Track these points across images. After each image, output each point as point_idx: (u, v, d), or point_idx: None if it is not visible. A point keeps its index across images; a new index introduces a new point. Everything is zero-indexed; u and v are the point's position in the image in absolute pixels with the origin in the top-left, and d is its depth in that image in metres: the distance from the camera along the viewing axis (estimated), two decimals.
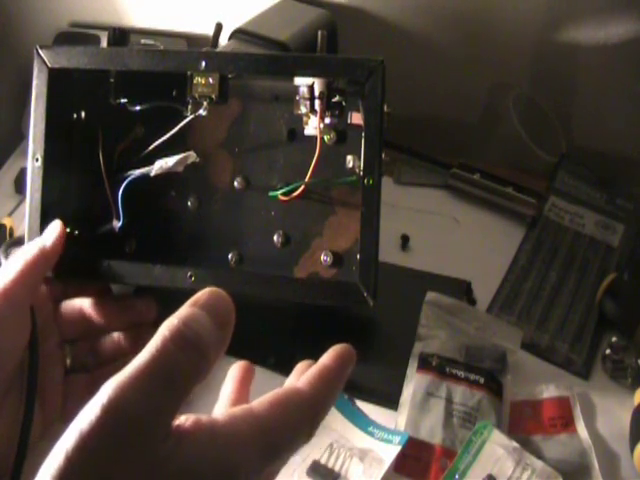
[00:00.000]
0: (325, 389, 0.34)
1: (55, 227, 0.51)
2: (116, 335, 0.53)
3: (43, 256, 0.48)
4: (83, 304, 0.52)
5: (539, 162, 0.86)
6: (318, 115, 0.51)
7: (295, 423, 0.32)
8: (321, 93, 0.51)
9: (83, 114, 0.55)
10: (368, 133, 0.49)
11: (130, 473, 0.27)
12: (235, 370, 0.40)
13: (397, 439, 0.54)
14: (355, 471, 0.53)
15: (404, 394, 0.58)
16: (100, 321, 0.52)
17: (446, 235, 0.77)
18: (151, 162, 0.53)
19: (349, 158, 0.53)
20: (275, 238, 0.55)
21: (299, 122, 0.54)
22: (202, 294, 0.32)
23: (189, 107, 0.52)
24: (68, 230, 0.52)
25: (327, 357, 0.36)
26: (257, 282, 0.50)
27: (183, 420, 0.29)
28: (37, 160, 0.51)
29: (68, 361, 0.51)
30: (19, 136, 0.86)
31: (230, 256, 0.55)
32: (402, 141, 0.84)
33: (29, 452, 0.41)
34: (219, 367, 0.58)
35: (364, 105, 0.50)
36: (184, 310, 0.31)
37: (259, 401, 0.31)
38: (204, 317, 0.30)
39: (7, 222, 0.74)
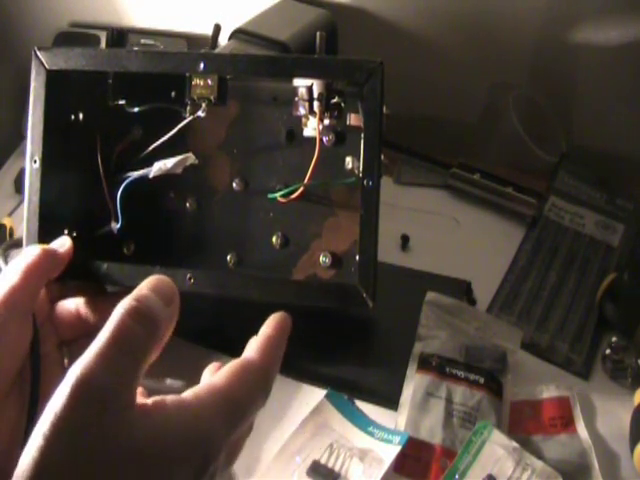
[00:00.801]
0: (272, 356, 0.39)
1: (64, 239, 0.51)
2: None
3: (46, 261, 0.48)
4: (78, 305, 0.52)
5: (539, 162, 0.86)
6: (317, 116, 0.51)
7: (252, 389, 0.36)
8: (320, 94, 0.51)
9: (81, 116, 0.55)
10: (367, 135, 0.49)
11: (104, 442, 0.29)
12: (210, 371, 0.42)
13: (397, 439, 0.54)
14: (355, 471, 0.53)
15: (404, 394, 0.58)
16: (96, 321, 0.52)
17: (446, 235, 0.77)
18: (150, 164, 0.53)
19: (348, 159, 0.53)
20: (274, 240, 0.55)
21: (298, 123, 0.54)
22: (146, 281, 0.37)
23: (188, 108, 0.52)
24: (66, 232, 0.52)
25: (268, 327, 0.41)
26: (256, 285, 0.50)
27: (149, 400, 0.32)
28: (35, 162, 0.51)
29: (66, 362, 0.51)
30: (19, 136, 0.86)
31: (229, 258, 0.55)
32: (402, 141, 0.84)
33: None
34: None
35: (363, 107, 0.50)
36: (134, 292, 0.35)
37: (218, 375, 0.36)
38: (152, 295, 0.35)
39: (7, 222, 0.74)
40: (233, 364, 0.37)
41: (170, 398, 0.32)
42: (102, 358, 0.31)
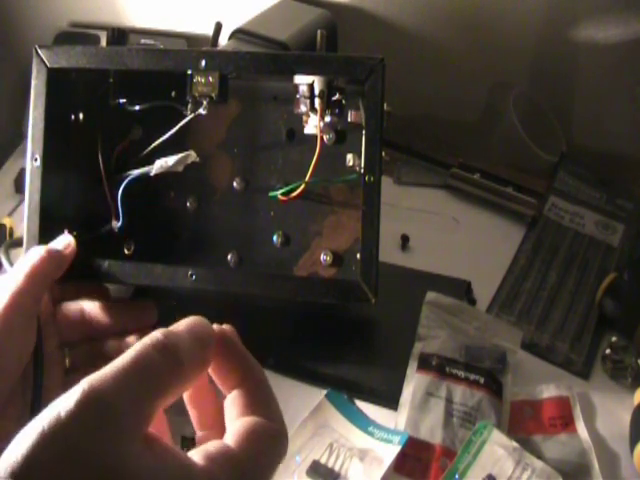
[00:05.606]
0: (280, 415, 0.35)
1: (67, 238, 0.51)
2: (116, 339, 0.53)
3: (50, 262, 0.48)
4: (83, 307, 0.51)
5: (539, 162, 0.86)
6: (318, 114, 0.51)
7: (270, 457, 0.33)
8: (321, 92, 0.51)
9: (82, 114, 0.55)
10: (368, 131, 0.49)
11: (100, 460, 0.27)
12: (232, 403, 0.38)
13: (397, 439, 0.54)
14: (355, 471, 0.53)
15: (404, 394, 0.58)
16: (100, 325, 0.52)
17: (446, 235, 0.77)
18: (150, 163, 0.53)
19: (349, 157, 0.53)
20: (275, 238, 0.54)
21: (298, 122, 0.54)
22: (184, 320, 0.34)
23: (189, 106, 0.52)
24: (66, 230, 0.52)
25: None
26: (258, 281, 0.50)
27: (164, 442, 0.30)
28: (36, 160, 0.51)
29: (67, 363, 0.51)
30: (19, 136, 0.86)
31: (229, 257, 0.55)
32: (402, 141, 0.84)
33: None
34: None
35: (364, 103, 0.50)
36: (167, 328, 0.33)
37: (235, 439, 0.32)
38: (184, 333, 0.33)
39: (7, 222, 0.73)
40: (253, 427, 0.33)
41: (178, 451, 0.30)
42: (119, 379, 0.29)
